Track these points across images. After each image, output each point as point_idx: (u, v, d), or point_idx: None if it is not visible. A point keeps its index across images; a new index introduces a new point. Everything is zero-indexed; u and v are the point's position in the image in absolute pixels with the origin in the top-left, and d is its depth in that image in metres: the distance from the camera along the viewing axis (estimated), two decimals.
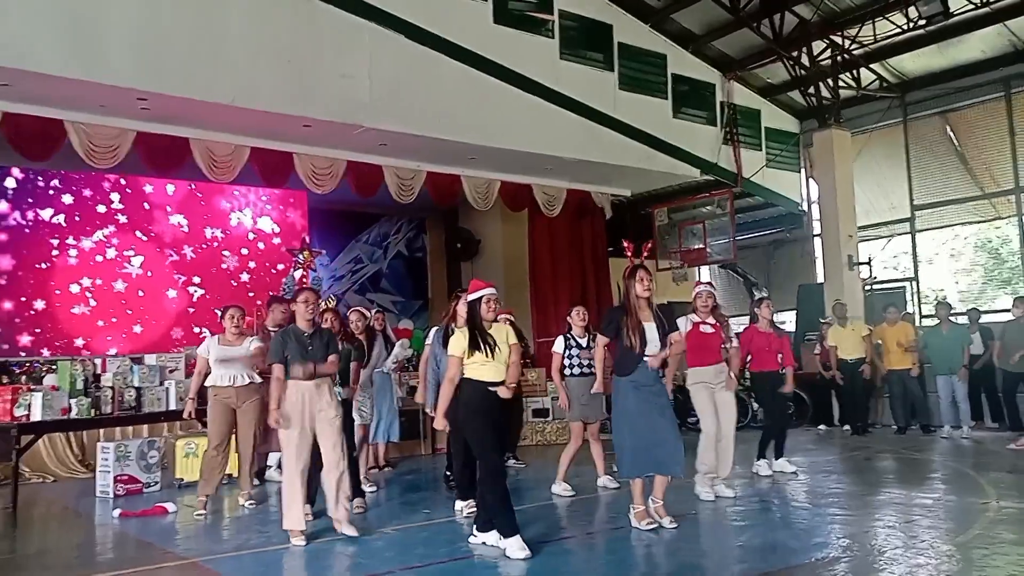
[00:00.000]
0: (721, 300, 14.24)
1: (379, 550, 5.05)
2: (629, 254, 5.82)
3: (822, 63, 12.44)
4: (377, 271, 14.79)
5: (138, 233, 11.33)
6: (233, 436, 6.64)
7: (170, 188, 11.65)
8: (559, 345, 6.90)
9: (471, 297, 5.11)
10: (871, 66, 12.55)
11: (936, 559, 4.45)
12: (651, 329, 5.33)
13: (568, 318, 7.01)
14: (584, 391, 6.74)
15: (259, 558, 5.00)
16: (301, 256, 11.50)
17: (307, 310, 5.36)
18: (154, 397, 7.74)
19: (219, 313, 6.87)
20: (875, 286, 13.12)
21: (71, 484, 8.21)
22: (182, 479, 7.73)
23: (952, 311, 10.46)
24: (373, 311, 8.18)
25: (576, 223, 13.03)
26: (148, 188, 11.51)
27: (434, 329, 6.65)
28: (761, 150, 13.42)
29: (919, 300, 13.00)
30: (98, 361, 8.40)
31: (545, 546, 4.94)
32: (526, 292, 12.76)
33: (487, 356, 4.91)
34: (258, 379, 6.55)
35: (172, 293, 11.53)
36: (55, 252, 10.68)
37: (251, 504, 6.58)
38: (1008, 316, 9.99)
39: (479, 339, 4.93)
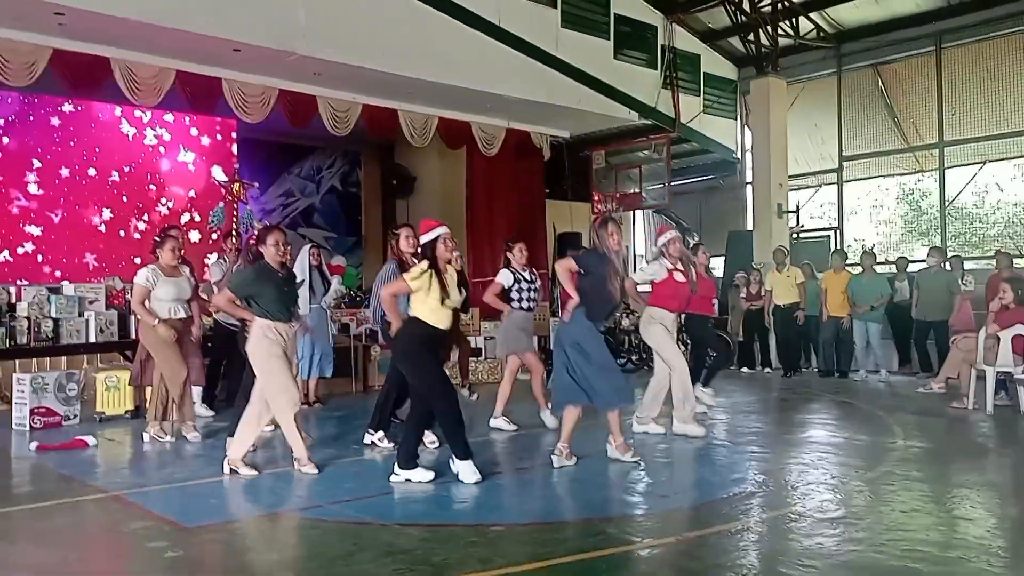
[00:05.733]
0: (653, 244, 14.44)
1: (308, 484, 5.04)
2: (601, 200, 5.97)
3: (762, 9, 12.48)
4: (309, 205, 14.47)
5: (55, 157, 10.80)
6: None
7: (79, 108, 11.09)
8: (505, 277, 6.81)
9: (426, 238, 4.97)
10: (810, 15, 12.65)
11: (846, 494, 4.68)
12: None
13: (508, 254, 6.91)
14: (526, 325, 6.90)
15: (185, 491, 4.94)
16: (233, 187, 11.17)
17: (277, 253, 5.30)
18: (73, 328, 7.49)
19: (156, 240, 6.65)
20: (801, 234, 13.48)
21: None
22: (103, 412, 7.53)
23: (876, 260, 10.82)
24: (308, 246, 8.03)
25: (514, 163, 12.93)
26: (67, 107, 10.91)
27: (389, 264, 6.27)
28: (699, 96, 13.48)
29: (842, 249, 13.41)
30: (12, 290, 8.06)
31: (489, 477, 5.02)
32: (462, 232, 12.66)
33: (443, 302, 4.84)
34: (188, 313, 6.53)
35: (96, 221, 11.08)
36: None
37: (196, 436, 6.45)
38: (922, 265, 10.39)
39: (446, 286, 4.84)
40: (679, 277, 6.55)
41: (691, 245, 8.00)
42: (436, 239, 4.92)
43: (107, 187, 11.19)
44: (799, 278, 10.64)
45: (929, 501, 4.62)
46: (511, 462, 5.84)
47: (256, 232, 5.48)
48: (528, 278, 6.88)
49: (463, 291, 5.12)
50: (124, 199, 11.30)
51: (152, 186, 11.57)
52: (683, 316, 7.52)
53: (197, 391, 7.69)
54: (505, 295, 6.87)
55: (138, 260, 10.44)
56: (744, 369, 11.50)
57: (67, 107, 10.88)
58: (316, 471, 5.19)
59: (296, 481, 5.12)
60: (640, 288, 6.94)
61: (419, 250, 5.18)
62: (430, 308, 4.86)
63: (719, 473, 5.40)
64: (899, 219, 14.68)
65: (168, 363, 6.34)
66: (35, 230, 10.57)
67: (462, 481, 4.85)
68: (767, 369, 11.37)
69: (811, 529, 3.96)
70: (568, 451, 5.40)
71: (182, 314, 6.41)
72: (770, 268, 11.08)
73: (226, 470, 5.20)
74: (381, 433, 6.05)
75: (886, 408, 7.93)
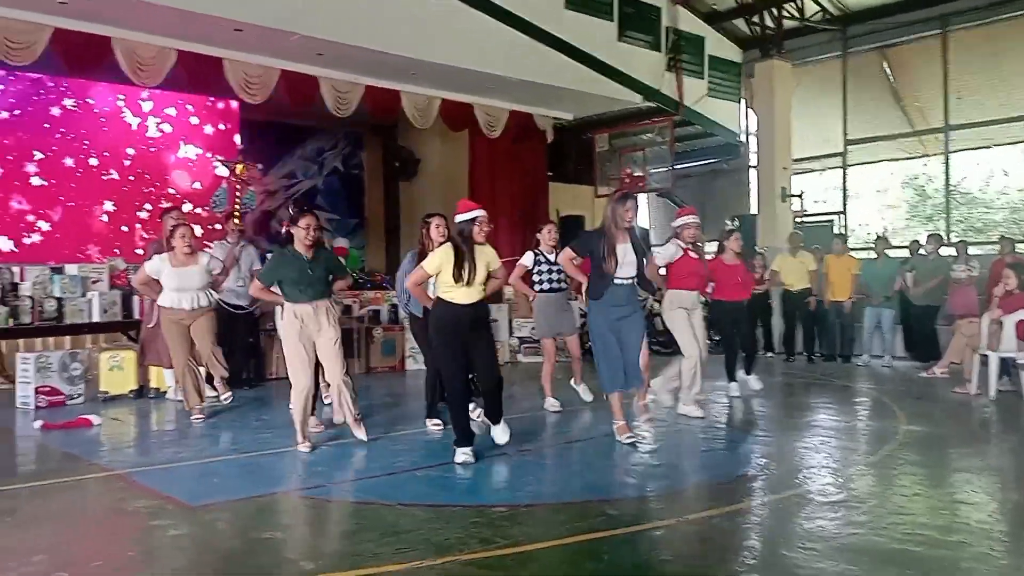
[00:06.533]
0: (661, 227, 14.38)
1: (311, 464, 5.06)
2: (627, 180, 5.95)
3: None
4: (312, 187, 14.41)
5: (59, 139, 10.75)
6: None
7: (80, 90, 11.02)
8: (527, 259, 6.90)
9: (462, 217, 5.07)
10: None
11: (847, 478, 4.69)
12: (626, 251, 5.40)
13: (537, 235, 7.00)
14: (553, 307, 6.88)
15: (189, 470, 4.97)
16: (236, 168, 11.10)
17: (307, 235, 5.34)
18: (76, 308, 7.49)
19: (168, 230, 6.64)
20: (805, 219, 13.43)
21: None
22: (107, 392, 7.56)
23: (888, 244, 10.74)
24: None
25: (517, 145, 12.87)
26: (69, 102, 10.85)
27: (409, 253, 6.40)
28: (703, 78, 13.37)
29: (846, 234, 13.36)
30: (16, 269, 8.05)
31: (492, 458, 5.05)
32: None
33: (466, 282, 4.93)
34: (213, 299, 6.58)
35: (101, 208, 11.05)
36: None
37: (228, 398, 6.72)
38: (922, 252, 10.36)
39: (464, 264, 4.93)
40: (693, 255, 6.66)
41: (725, 230, 8.02)
42: (472, 219, 5.04)
43: (110, 180, 11.14)
44: (812, 264, 10.51)
45: (931, 485, 4.63)
46: (515, 443, 5.85)
47: (291, 215, 5.62)
48: (552, 260, 6.85)
49: (491, 271, 5.11)
50: (126, 190, 11.25)
51: (149, 175, 11.48)
52: (711, 303, 7.57)
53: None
54: (529, 277, 6.92)
55: (140, 252, 10.43)
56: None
57: (68, 102, 10.81)
58: (307, 451, 5.28)
59: (299, 461, 5.14)
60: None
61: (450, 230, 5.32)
62: (450, 285, 4.97)
63: (722, 456, 5.41)
64: (904, 204, 14.63)
65: (171, 349, 6.47)
66: (40, 222, 10.52)
67: (454, 463, 4.91)
68: (770, 353, 11.36)
69: (813, 512, 3.97)
70: (622, 425, 5.49)
71: (185, 305, 6.34)
72: (780, 252, 10.96)
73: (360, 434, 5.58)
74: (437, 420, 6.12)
75: (889, 393, 7.93)
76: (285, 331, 5.42)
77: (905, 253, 10.97)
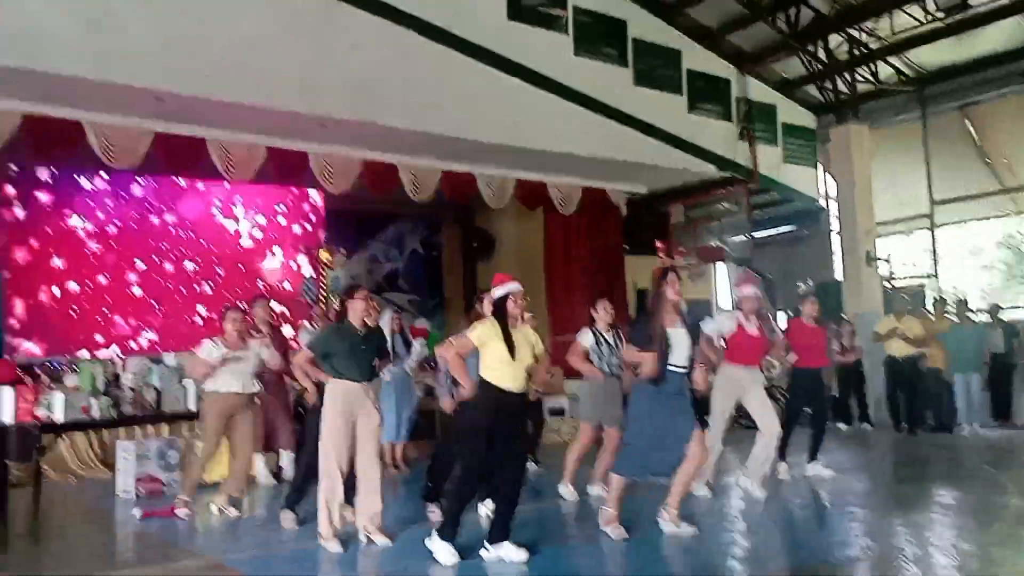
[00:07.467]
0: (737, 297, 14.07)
1: (396, 551, 5.03)
2: (662, 255, 5.71)
3: (839, 57, 12.33)
4: (393, 270, 14.80)
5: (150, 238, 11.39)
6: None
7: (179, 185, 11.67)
8: (586, 338, 6.39)
9: (497, 293, 4.84)
10: (888, 59, 12.43)
11: (958, 558, 4.41)
12: (678, 335, 5.09)
13: (592, 311, 6.49)
14: (602, 393, 6.37)
15: (281, 556, 5.02)
16: (320, 255, 11.50)
17: (365, 309, 5.23)
18: (173, 397, 7.78)
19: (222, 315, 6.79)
20: (894, 283, 13.00)
21: (93, 484, 8.22)
22: (202, 479, 7.74)
23: (969, 308, 10.29)
24: (389, 312, 8.16)
25: (591, 221, 12.96)
26: (170, 217, 11.50)
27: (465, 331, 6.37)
28: (777, 146, 13.31)
29: (940, 298, 12.86)
30: (119, 361, 8.45)
31: (571, 540, 4.91)
32: (542, 292, 12.69)
33: (511, 358, 4.65)
34: (258, 387, 6.45)
35: (197, 309, 11.55)
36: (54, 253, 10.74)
37: (231, 511, 6.31)
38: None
39: (507, 337, 4.66)
40: (751, 330, 6.36)
41: (799, 293, 7.76)
42: (506, 296, 4.79)
43: (206, 286, 11.67)
44: (918, 329, 9.95)
45: None
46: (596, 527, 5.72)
47: (343, 291, 5.56)
48: (610, 340, 6.38)
49: (536, 354, 4.84)
50: (222, 295, 11.63)
51: (243, 278, 11.99)
52: (792, 371, 7.29)
53: (289, 456, 7.86)
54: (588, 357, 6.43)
55: None
56: (841, 425, 11.01)
57: (170, 217, 11.45)
58: (338, 549, 4.98)
59: (379, 548, 5.10)
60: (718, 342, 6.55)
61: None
62: (497, 362, 4.67)
63: (820, 537, 5.17)
64: (1000, 264, 14.04)
65: (205, 434, 6.39)
66: (144, 331, 11.00)
67: (436, 560, 4.60)
68: (865, 424, 10.88)
69: None
70: (673, 515, 5.14)
71: (244, 389, 6.24)
72: (886, 316, 10.55)
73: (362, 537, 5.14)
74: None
75: (997, 464, 7.48)
76: (327, 409, 5.08)
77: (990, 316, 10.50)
